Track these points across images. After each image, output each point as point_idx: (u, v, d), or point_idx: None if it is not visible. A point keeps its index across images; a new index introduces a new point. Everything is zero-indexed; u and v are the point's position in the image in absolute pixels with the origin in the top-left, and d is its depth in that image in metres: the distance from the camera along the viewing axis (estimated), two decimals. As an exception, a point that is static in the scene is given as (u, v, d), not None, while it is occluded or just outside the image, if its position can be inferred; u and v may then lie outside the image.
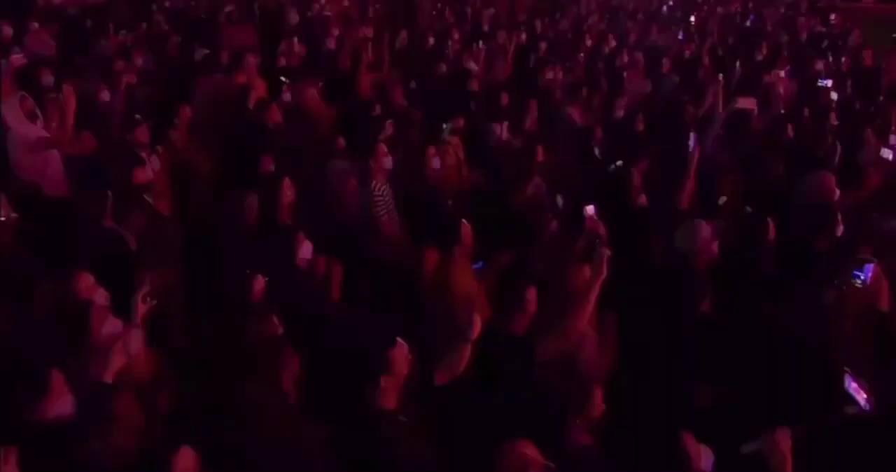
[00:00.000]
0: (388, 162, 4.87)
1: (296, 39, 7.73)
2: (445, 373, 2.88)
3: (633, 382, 3.68)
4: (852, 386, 2.67)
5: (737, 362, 3.53)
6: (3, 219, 4.36)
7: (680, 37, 10.56)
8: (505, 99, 6.27)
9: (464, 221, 3.83)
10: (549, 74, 7.40)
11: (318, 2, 10.53)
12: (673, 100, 6.95)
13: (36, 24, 8.53)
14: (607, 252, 3.17)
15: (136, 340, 2.92)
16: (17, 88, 5.79)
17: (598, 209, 4.27)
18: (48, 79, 5.97)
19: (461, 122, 5.77)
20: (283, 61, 7.32)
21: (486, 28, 10.03)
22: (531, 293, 3.13)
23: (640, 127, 6.18)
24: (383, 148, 4.86)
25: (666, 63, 8.24)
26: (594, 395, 2.80)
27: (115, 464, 2.88)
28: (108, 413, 2.86)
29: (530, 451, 2.42)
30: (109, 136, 5.57)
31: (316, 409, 3.19)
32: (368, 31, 9.17)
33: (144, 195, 4.45)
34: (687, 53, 9.21)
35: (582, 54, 8.48)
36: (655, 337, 3.78)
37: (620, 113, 6.42)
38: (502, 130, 6.02)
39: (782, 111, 6.94)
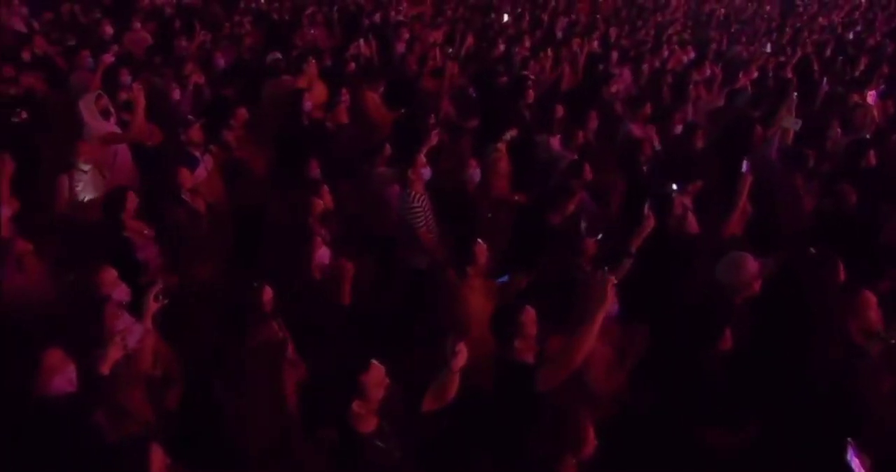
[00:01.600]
0: (426, 173, 4.80)
1: (363, 42, 7.76)
2: (433, 401, 2.77)
3: (644, 415, 3.46)
4: (854, 461, 2.35)
5: (755, 408, 3.24)
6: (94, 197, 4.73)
7: (768, 49, 9.85)
8: (560, 111, 6.03)
9: (479, 240, 3.69)
10: (614, 87, 7.06)
11: (395, 5, 10.56)
12: (743, 117, 6.47)
13: (137, 23, 9.02)
14: (613, 280, 2.95)
15: (136, 335, 2.98)
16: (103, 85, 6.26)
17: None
18: (126, 77, 6.31)
19: (515, 132, 5.59)
20: (351, 64, 7.35)
21: (559, 35, 9.74)
22: (527, 317, 2.97)
23: (700, 144, 5.77)
24: (422, 159, 4.80)
25: (744, 77, 7.69)
26: (586, 432, 2.59)
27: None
28: (106, 401, 2.95)
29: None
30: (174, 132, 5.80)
31: (315, 419, 3.17)
32: (438, 36, 9.12)
33: (185, 194, 4.58)
34: (771, 67, 8.57)
35: (646, 65, 8.03)
36: (676, 371, 3.54)
37: (678, 128, 6.03)
38: (554, 144, 5.80)
39: (867, 135, 6.31)
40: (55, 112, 6.48)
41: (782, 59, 9.32)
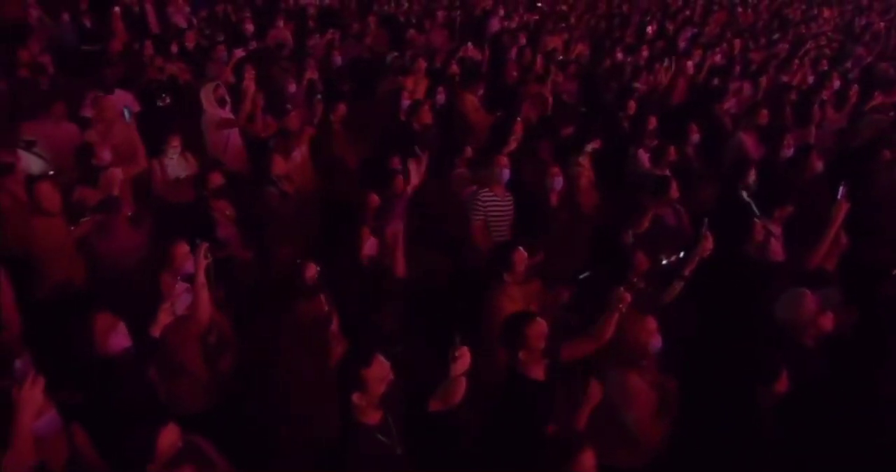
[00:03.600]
0: (504, 174, 4.69)
1: (471, 45, 7.75)
2: (439, 402, 2.70)
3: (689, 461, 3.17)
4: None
5: (810, 457, 2.87)
6: (186, 176, 5.12)
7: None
8: (653, 123, 5.67)
9: (519, 247, 3.55)
10: (727, 102, 6.53)
11: (519, 11, 10.46)
12: (872, 142, 5.74)
13: (280, 22, 9.63)
14: (627, 299, 2.71)
15: (185, 302, 3.18)
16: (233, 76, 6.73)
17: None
18: (251, 71, 6.74)
19: (599, 144, 5.33)
20: (456, 67, 7.38)
21: (682, 45, 9.16)
22: (534, 329, 2.83)
23: (813, 169, 5.18)
24: (504, 160, 4.70)
25: (880, 98, 6.80)
26: (583, 459, 2.41)
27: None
28: (159, 359, 3.15)
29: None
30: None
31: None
32: (557, 42, 8.91)
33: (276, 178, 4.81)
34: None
35: (765, 79, 7.29)
36: (728, 411, 3.21)
37: (790, 151, 5.44)
38: (643, 158, 5.47)
39: None
40: (193, 98, 7.10)
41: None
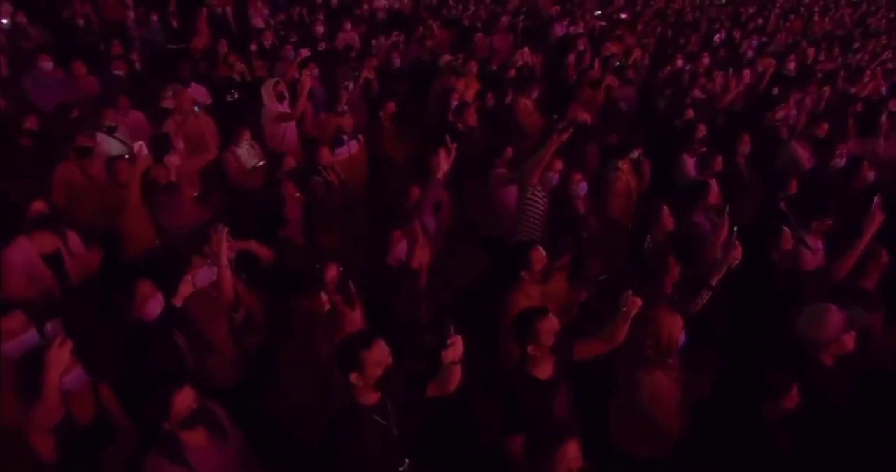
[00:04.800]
0: (553, 177, 4.68)
1: (527, 50, 7.72)
2: (436, 389, 2.73)
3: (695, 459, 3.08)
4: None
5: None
6: (259, 164, 5.37)
7: None
8: (702, 131, 5.48)
9: (538, 247, 3.51)
10: (781, 112, 6.22)
11: (582, 17, 10.29)
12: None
13: (348, 25, 9.91)
14: (637, 302, 2.66)
15: (204, 276, 3.35)
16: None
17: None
18: (314, 69, 6.98)
19: (641, 151, 5.21)
20: (511, 71, 7.38)
21: (749, 54, 8.76)
22: (545, 325, 2.80)
23: (868, 178, 4.89)
24: (560, 164, 4.66)
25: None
26: (567, 449, 2.40)
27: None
28: (186, 329, 3.33)
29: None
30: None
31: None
32: (617, 49, 8.74)
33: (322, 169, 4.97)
34: None
35: (828, 89, 6.87)
36: (739, 417, 3.10)
37: (841, 161, 5.13)
38: (689, 165, 5.30)
39: None
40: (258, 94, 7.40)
41: None
